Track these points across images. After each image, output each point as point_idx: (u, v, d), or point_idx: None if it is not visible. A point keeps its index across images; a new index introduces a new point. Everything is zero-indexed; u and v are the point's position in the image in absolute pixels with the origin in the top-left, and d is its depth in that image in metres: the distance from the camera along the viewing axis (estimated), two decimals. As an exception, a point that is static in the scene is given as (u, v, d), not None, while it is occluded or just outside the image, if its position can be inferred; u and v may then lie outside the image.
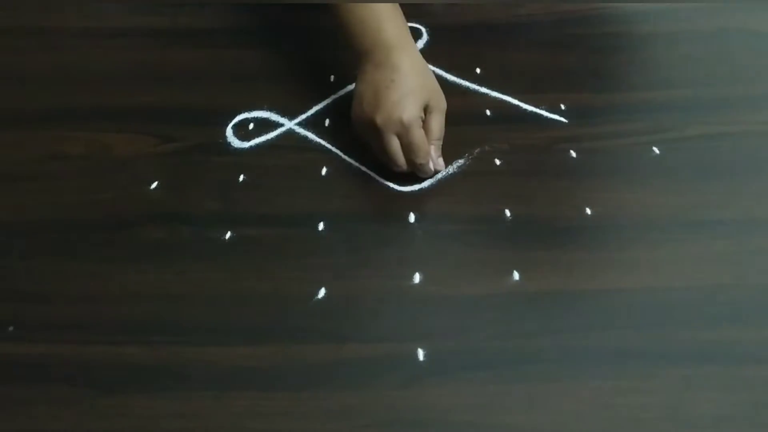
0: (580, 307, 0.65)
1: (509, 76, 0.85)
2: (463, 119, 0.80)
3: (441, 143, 0.74)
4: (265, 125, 0.80)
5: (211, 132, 0.80)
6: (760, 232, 0.70)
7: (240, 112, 0.82)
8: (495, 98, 0.83)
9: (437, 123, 0.73)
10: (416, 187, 0.74)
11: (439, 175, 0.75)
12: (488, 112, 0.81)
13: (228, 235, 0.71)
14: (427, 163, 0.72)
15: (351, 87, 0.83)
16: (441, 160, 0.74)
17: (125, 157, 0.78)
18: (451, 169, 0.76)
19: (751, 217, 0.71)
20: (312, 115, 0.81)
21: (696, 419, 0.58)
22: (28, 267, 0.70)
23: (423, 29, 0.90)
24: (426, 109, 0.73)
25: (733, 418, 0.58)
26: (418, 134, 0.71)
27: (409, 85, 0.71)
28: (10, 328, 0.65)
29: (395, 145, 0.71)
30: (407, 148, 0.71)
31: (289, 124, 0.80)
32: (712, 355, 0.62)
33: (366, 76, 0.72)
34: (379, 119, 0.70)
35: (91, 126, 0.81)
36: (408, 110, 0.70)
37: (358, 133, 0.74)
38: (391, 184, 0.74)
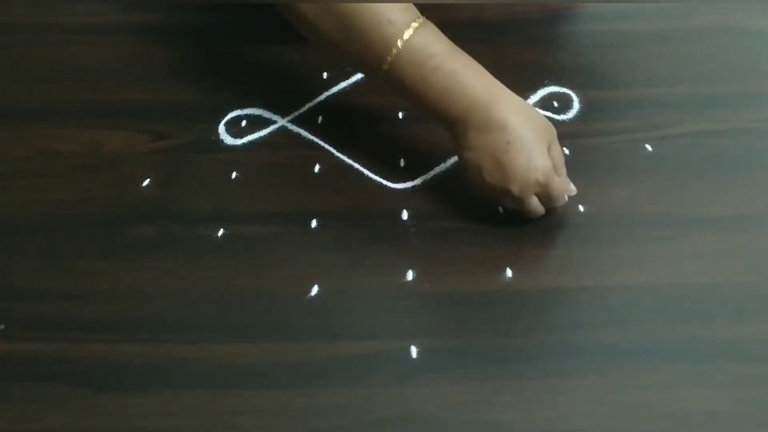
0: (573, 304, 0.66)
1: (502, 74, 0.84)
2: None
3: (565, 169, 0.69)
4: (257, 122, 0.80)
5: (203, 129, 0.80)
6: (752, 229, 0.70)
7: (232, 109, 0.81)
8: (488, 95, 0.82)
9: (560, 155, 0.69)
10: (409, 184, 0.74)
11: (432, 173, 0.75)
12: (481, 110, 0.81)
13: (220, 232, 0.71)
14: (566, 199, 0.69)
15: (344, 84, 0.83)
16: (572, 185, 0.69)
17: (117, 154, 0.78)
18: (444, 166, 0.76)
19: (744, 214, 0.71)
20: (305, 112, 0.81)
21: (689, 416, 0.58)
22: (18, 265, 0.69)
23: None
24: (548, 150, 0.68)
25: (727, 415, 0.58)
26: (557, 186, 0.67)
27: (529, 139, 0.65)
28: (1, 327, 0.65)
29: (536, 203, 0.67)
30: (547, 200, 0.67)
31: (281, 122, 0.80)
32: (705, 352, 0.62)
33: (473, 143, 0.66)
34: (515, 188, 0.65)
35: (83, 123, 0.81)
36: (541, 168, 0.65)
37: (485, 197, 0.69)
38: (384, 182, 0.74)
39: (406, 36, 0.66)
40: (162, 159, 0.77)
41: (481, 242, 0.69)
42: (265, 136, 0.79)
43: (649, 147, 0.77)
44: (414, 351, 0.62)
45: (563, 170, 0.68)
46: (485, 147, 0.65)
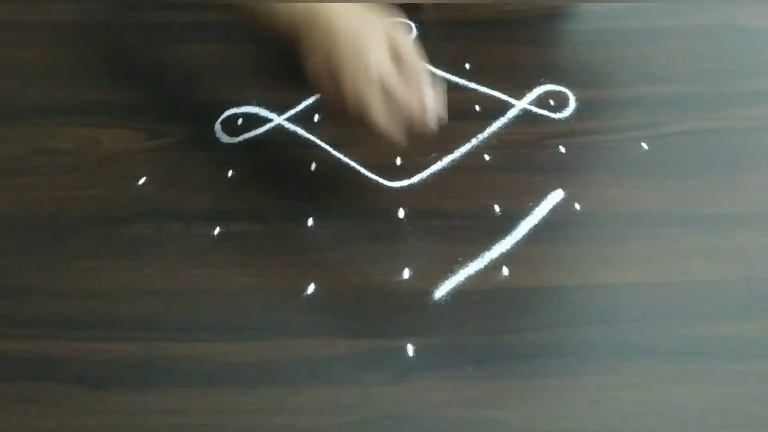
0: (569, 302, 0.66)
1: (498, 72, 0.85)
2: (453, 115, 0.79)
3: (429, 78, 0.63)
4: (254, 121, 0.80)
5: (199, 127, 0.80)
6: (748, 227, 0.70)
7: (229, 108, 0.81)
8: (484, 93, 0.83)
9: (408, 46, 0.62)
10: (405, 182, 0.74)
11: (429, 171, 0.75)
12: (477, 108, 0.81)
13: (217, 230, 0.71)
14: (426, 113, 0.62)
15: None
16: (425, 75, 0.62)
17: (113, 152, 0.78)
18: (440, 164, 0.76)
19: (740, 213, 0.71)
20: (301, 110, 0.81)
21: (685, 413, 0.58)
22: (15, 263, 0.69)
23: (412, 25, 0.90)
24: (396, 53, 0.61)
25: (723, 412, 0.59)
26: (395, 83, 0.60)
27: (359, 36, 0.60)
28: (-2, 325, 0.65)
29: (380, 109, 0.60)
30: (395, 105, 0.61)
31: (278, 120, 0.80)
32: (701, 350, 0.62)
33: (307, 53, 0.62)
34: (348, 84, 0.59)
35: (79, 121, 0.81)
36: (374, 62, 0.59)
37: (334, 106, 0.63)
38: (381, 180, 0.74)
39: None
40: (158, 157, 0.77)
41: (477, 240, 0.69)
42: (261, 134, 0.79)
43: (645, 145, 0.77)
44: (410, 349, 0.62)
45: (427, 78, 0.62)
46: (314, 53, 0.61)
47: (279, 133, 0.79)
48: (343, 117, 0.62)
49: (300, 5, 0.63)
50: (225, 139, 0.79)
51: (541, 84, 0.83)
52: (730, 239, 0.69)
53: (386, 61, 0.60)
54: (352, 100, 0.60)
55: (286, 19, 0.64)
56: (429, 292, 0.66)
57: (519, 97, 0.82)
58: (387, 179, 0.74)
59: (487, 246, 0.69)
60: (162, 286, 0.67)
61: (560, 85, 0.83)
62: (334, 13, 0.62)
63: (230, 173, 0.75)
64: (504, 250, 0.69)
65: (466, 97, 0.82)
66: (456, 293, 0.66)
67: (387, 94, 0.60)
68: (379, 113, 0.60)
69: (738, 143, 0.77)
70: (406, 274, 0.67)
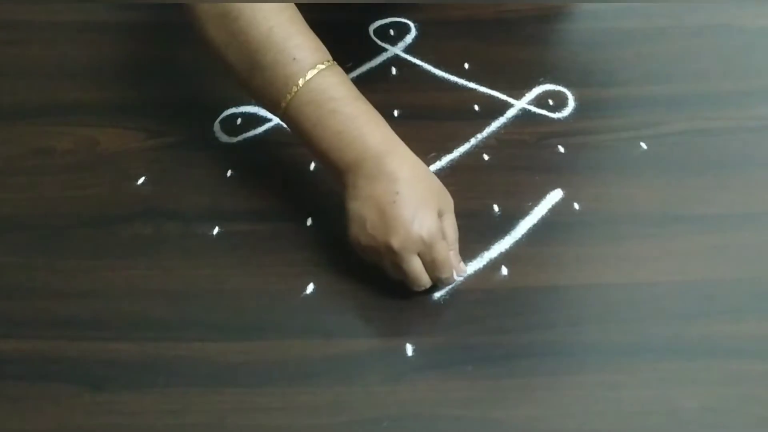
0: (568, 301, 0.66)
1: (497, 72, 0.85)
2: (452, 114, 0.80)
3: (457, 245, 0.65)
4: (252, 120, 0.80)
5: (198, 127, 0.80)
6: (747, 227, 0.70)
7: (228, 107, 0.81)
8: (483, 93, 0.83)
9: (452, 227, 0.65)
10: (405, 182, 0.74)
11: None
12: (476, 107, 0.81)
13: (216, 230, 0.71)
14: (452, 275, 0.65)
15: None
16: (462, 264, 0.66)
17: (112, 152, 0.78)
18: (439, 164, 0.76)
19: (738, 212, 0.71)
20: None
21: (683, 412, 0.58)
22: (12, 263, 0.69)
23: (411, 24, 0.90)
24: (438, 214, 0.63)
25: (720, 411, 0.59)
26: (442, 249, 0.62)
27: (419, 195, 0.62)
28: (-4, 325, 0.65)
29: (418, 265, 0.62)
30: (430, 265, 0.62)
31: (276, 119, 0.80)
32: (698, 349, 0.62)
33: (361, 193, 0.62)
34: (396, 242, 0.60)
35: (78, 121, 0.81)
36: (426, 225, 0.61)
37: (365, 257, 0.65)
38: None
39: (309, 76, 0.63)
40: (157, 157, 0.77)
41: (476, 240, 0.69)
42: (260, 133, 0.79)
43: (644, 145, 0.77)
44: (409, 349, 0.62)
45: (455, 246, 0.65)
46: (372, 197, 0.62)
47: (278, 132, 0.79)
48: (374, 262, 0.64)
49: (364, 145, 0.63)
50: (224, 138, 0.79)
51: (540, 84, 0.83)
52: (729, 239, 0.69)
53: (436, 223, 0.62)
54: (395, 255, 0.61)
55: (348, 153, 0.63)
56: (427, 292, 0.65)
57: (518, 97, 0.82)
58: (386, 179, 0.74)
59: (486, 246, 0.69)
60: (160, 286, 0.67)
61: (559, 84, 0.83)
62: (401, 164, 0.63)
63: (229, 173, 0.75)
64: (503, 250, 0.69)
65: (465, 97, 0.82)
66: (455, 293, 0.66)
67: (426, 251, 0.62)
68: (419, 274, 0.62)
69: (736, 143, 0.77)
70: (405, 273, 0.67)
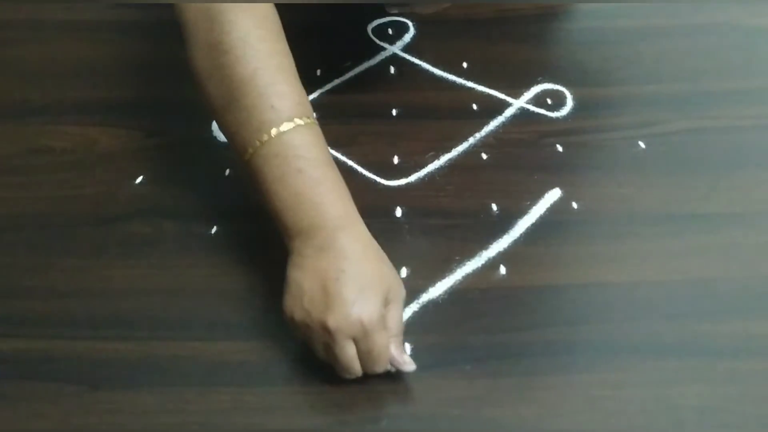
0: (565, 301, 0.66)
1: (496, 71, 0.85)
2: (450, 113, 0.80)
3: (402, 338, 0.60)
4: (251, 119, 0.80)
5: (196, 126, 0.80)
6: (744, 226, 0.70)
7: (226, 106, 0.81)
8: (481, 92, 0.83)
9: (397, 318, 0.59)
10: (403, 181, 0.74)
11: (426, 170, 0.75)
12: (475, 107, 0.81)
13: (214, 229, 0.71)
14: (387, 368, 0.59)
15: (337, 81, 0.83)
16: (406, 357, 0.59)
17: (110, 151, 0.78)
18: (438, 163, 0.76)
19: (736, 211, 0.71)
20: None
21: (680, 411, 0.58)
22: (11, 262, 0.69)
23: (410, 23, 0.90)
24: (384, 302, 0.58)
25: (717, 410, 0.58)
26: (380, 340, 0.57)
27: (365, 277, 0.57)
28: (-6, 324, 0.65)
29: (351, 352, 0.57)
30: (365, 355, 0.57)
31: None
32: (697, 348, 0.62)
33: (305, 263, 0.58)
34: (332, 322, 0.55)
35: (76, 120, 0.81)
36: (368, 310, 0.56)
37: (296, 332, 0.59)
38: (378, 179, 0.74)
39: (283, 128, 0.60)
40: (155, 156, 0.77)
41: (474, 239, 0.69)
42: (258, 133, 0.79)
43: (642, 144, 0.77)
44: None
45: (399, 339, 0.59)
46: (316, 269, 0.57)
47: (276, 131, 0.79)
48: (306, 344, 0.59)
49: (320, 214, 0.59)
50: (222, 138, 0.78)
51: (538, 83, 0.83)
52: (727, 238, 0.69)
53: (378, 310, 0.57)
54: (328, 335, 0.56)
55: (301, 219, 0.59)
56: (426, 291, 0.65)
57: (516, 96, 0.82)
58: (384, 178, 0.74)
59: (484, 245, 0.69)
60: (159, 285, 0.67)
61: (558, 84, 0.83)
62: (354, 242, 0.59)
63: (227, 172, 0.75)
64: (501, 249, 0.69)
65: (464, 96, 0.82)
66: (453, 292, 0.66)
67: (363, 338, 0.57)
68: (351, 362, 0.57)
69: (734, 142, 0.77)
70: (404, 272, 0.67)
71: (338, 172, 0.62)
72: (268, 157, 0.60)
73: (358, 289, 0.56)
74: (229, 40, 0.62)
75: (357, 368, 0.58)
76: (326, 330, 0.56)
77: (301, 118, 0.61)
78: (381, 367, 0.58)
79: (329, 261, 0.57)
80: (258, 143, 0.60)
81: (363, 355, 0.57)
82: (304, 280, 0.57)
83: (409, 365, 0.59)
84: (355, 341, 0.57)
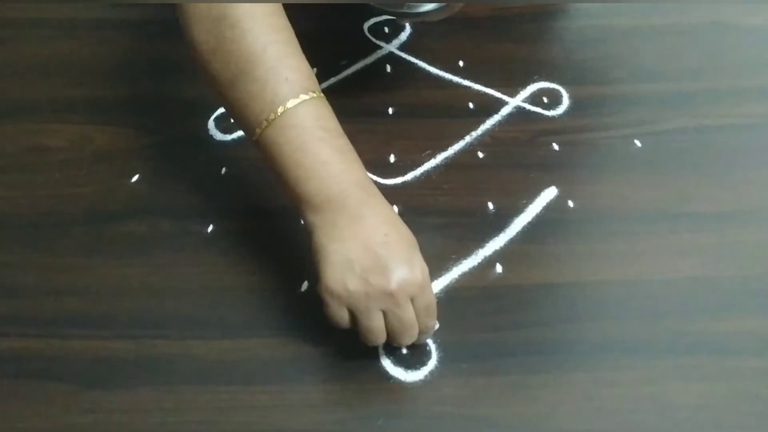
0: (562, 299, 0.66)
1: (492, 69, 0.85)
2: (446, 112, 0.80)
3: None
4: (247, 118, 0.80)
5: (192, 125, 0.80)
6: (741, 225, 0.70)
7: (221, 105, 0.81)
8: (478, 91, 0.83)
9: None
10: (399, 180, 0.74)
11: (422, 168, 0.75)
12: (471, 105, 0.81)
13: (210, 228, 0.71)
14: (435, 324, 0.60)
15: (333, 80, 0.83)
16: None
17: (106, 149, 0.78)
18: (434, 162, 0.76)
19: (733, 210, 0.71)
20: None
21: (677, 409, 0.59)
22: (7, 261, 0.69)
23: (407, 23, 0.90)
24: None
25: (713, 408, 0.59)
26: (432, 294, 0.58)
27: (406, 237, 0.58)
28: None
29: (411, 313, 0.56)
30: (425, 310, 0.57)
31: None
32: (693, 346, 0.62)
33: (342, 234, 0.56)
34: (395, 284, 0.54)
35: (72, 118, 0.81)
36: (420, 266, 0.56)
37: (343, 305, 0.57)
38: (375, 177, 0.74)
39: (299, 100, 0.59)
40: (151, 155, 0.77)
41: (470, 238, 0.69)
42: (254, 131, 0.79)
43: (638, 142, 0.77)
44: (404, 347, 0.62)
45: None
46: (358, 237, 0.56)
47: (272, 130, 0.79)
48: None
49: (360, 176, 0.58)
50: (218, 136, 0.79)
51: (534, 81, 0.83)
52: (723, 236, 0.69)
53: (425, 265, 0.57)
54: (390, 301, 0.55)
55: (341, 186, 0.58)
56: (423, 290, 0.65)
57: (513, 95, 0.82)
58: (381, 176, 0.74)
59: (480, 243, 0.69)
60: (155, 284, 0.67)
61: (554, 82, 0.83)
62: (382, 203, 0.58)
63: (224, 170, 0.75)
64: (498, 248, 0.69)
65: (460, 95, 0.82)
66: (450, 290, 0.66)
67: (421, 295, 0.57)
68: (412, 323, 0.57)
69: (730, 140, 0.78)
70: (400, 271, 0.67)
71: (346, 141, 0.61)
72: (285, 128, 0.59)
73: (406, 248, 0.57)
74: (235, 14, 0.60)
75: (415, 331, 0.57)
76: (388, 294, 0.55)
77: (314, 91, 0.60)
78: (434, 319, 0.58)
79: (370, 227, 0.56)
80: (273, 115, 0.59)
81: (421, 312, 0.57)
82: (348, 250, 0.56)
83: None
84: (412, 300, 0.56)
